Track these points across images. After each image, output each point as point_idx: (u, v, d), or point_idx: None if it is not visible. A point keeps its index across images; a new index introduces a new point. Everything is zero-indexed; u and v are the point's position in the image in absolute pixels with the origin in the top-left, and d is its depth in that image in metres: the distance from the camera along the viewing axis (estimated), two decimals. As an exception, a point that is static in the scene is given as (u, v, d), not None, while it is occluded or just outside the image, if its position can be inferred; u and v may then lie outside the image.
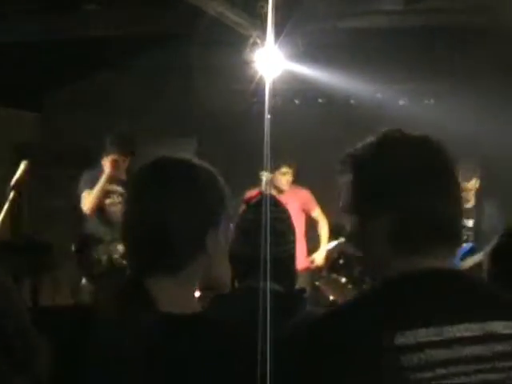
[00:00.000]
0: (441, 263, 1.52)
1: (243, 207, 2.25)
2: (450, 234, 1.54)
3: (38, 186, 6.41)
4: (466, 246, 5.85)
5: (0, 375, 2.38)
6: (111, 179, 5.65)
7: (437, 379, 1.37)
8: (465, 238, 5.85)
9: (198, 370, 1.47)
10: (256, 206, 2.28)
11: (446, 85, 6.83)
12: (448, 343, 1.40)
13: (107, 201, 5.72)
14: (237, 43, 5.59)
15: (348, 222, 1.61)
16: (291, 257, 2.41)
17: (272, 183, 6.08)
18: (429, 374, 1.37)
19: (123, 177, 5.76)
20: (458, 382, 1.39)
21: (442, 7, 5.13)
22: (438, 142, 1.60)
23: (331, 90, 6.93)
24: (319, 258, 6.44)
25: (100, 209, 5.70)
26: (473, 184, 5.77)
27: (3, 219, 4.13)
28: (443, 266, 1.52)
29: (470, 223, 5.85)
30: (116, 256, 5.55)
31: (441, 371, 1.38)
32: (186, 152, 1.73)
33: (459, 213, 1.56)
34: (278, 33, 4.76)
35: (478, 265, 5.66)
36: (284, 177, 6.28)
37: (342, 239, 6.18)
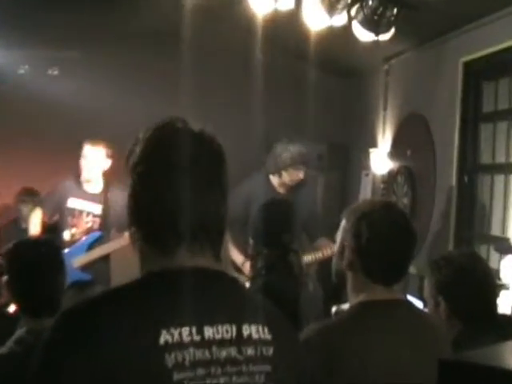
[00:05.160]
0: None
1: None
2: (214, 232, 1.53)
3: None
4: (94, 233, 5.42)
5: None
6: None
7: (197, 379, 1.38)
8: (90, 224, 5.42)
9: None
10: None
11: (74, 54, 6.29)
12: (207, 344, 1.41)
13: None
14: None
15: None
16: None
17: None
18: (190, 374, 1.37)
19: None
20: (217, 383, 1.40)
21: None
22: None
23: None
24: None
25: None
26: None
27: None
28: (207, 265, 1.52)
29: (98, 209, 5.39)
30: None
31: (201, 372, 1.39)
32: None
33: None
34: None
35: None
36: None
37: None
